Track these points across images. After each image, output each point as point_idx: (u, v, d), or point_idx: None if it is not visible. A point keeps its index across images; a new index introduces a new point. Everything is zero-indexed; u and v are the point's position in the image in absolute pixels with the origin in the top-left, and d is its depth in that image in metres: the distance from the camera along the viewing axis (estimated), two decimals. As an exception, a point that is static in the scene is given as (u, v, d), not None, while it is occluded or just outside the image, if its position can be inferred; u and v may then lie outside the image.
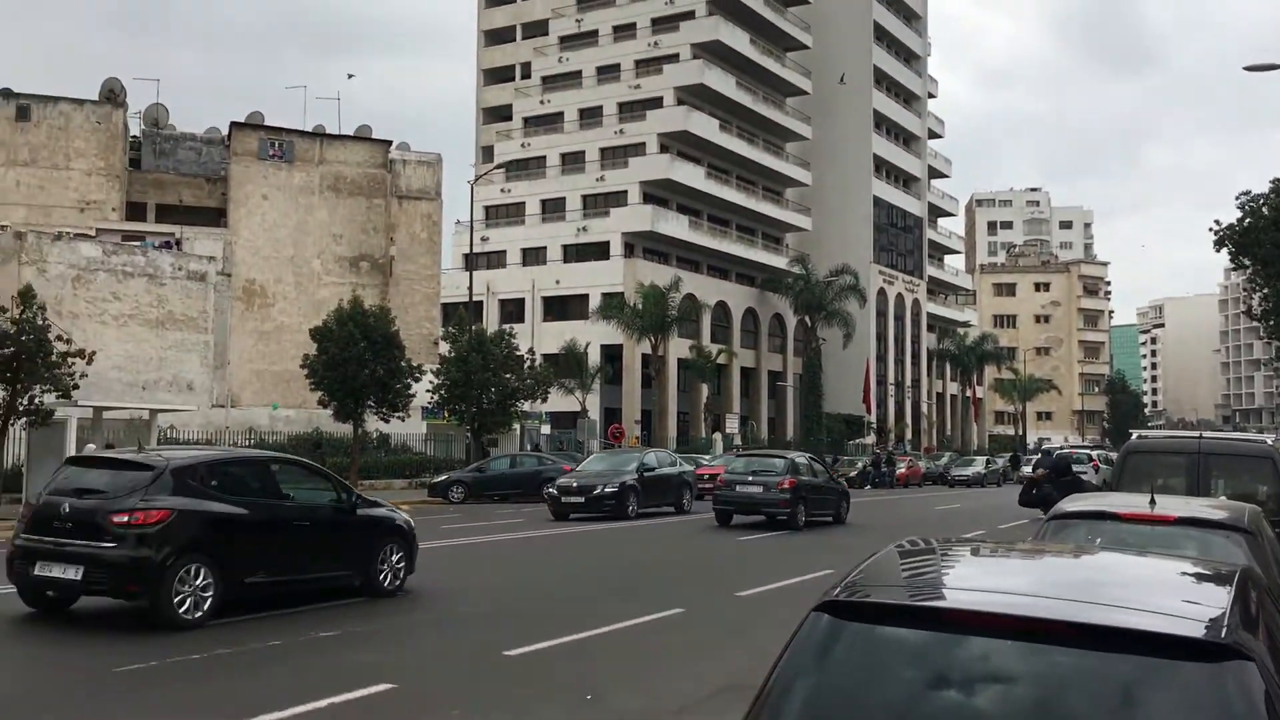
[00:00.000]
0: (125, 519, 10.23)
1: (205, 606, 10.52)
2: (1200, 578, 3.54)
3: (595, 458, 31.02)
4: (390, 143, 48.67)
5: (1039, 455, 42.33)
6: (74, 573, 10.32)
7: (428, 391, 37.23)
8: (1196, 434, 11.87)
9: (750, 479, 24.53)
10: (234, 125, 45.91)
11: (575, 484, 26.71)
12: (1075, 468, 27.40)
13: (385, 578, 12.59)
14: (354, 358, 31.59)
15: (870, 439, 70.65)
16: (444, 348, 42.47)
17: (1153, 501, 6.43)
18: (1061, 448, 53.73)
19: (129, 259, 35.73)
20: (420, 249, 49.18)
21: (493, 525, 23.91)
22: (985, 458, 62.18)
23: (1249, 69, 22.49)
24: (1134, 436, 12.05)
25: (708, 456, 44.37)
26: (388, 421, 34.75)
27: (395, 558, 12.71)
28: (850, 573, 3.26)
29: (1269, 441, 11.98)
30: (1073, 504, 6.92)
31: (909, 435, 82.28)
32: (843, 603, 2.94)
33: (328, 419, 35.23)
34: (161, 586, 10.19)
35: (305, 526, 11.85)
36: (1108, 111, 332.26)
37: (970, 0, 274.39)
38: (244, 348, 43.52)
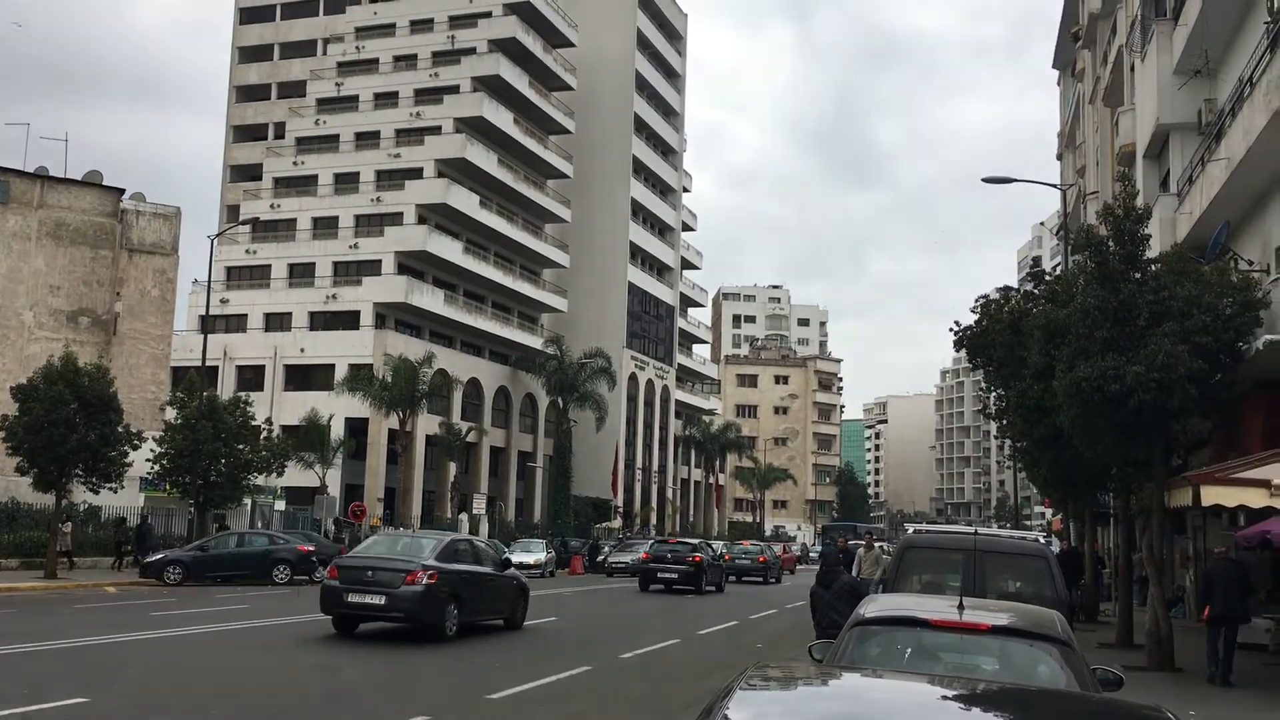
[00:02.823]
0: (763, 560, 44.23)
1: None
2: None
3: None
4: (122, 191, 45.02)
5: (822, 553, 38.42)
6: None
7: (148, 461, 34.15)
8: (972, 530, 11.92)
9: (743, 556, 44.51)
10: (-61, 157, 41.28)
11: None
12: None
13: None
14: (61, 420, 28.35)
15: (617, 523, 70.61)
16: (171, 414, 39.20)
17: (961, 607, 5.98)
18: (850, 543, 47.47)
19: None
20: (151, 307, 45.46)
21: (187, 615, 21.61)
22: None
23: (986, 180, 24.05)
24: (910, 530, 11.99)
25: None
26: (98, 493, 31.36)
27: None
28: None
29: (1040, 540, 12.19)
30: (874, 608, 6.34)
31: (654, 520, 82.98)
32: None
33: (27, 488, 31.43)
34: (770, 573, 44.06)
35: None
36: (840, 219, 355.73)
37: (718, 105, 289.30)
38: (-69, 405, 38.46)
